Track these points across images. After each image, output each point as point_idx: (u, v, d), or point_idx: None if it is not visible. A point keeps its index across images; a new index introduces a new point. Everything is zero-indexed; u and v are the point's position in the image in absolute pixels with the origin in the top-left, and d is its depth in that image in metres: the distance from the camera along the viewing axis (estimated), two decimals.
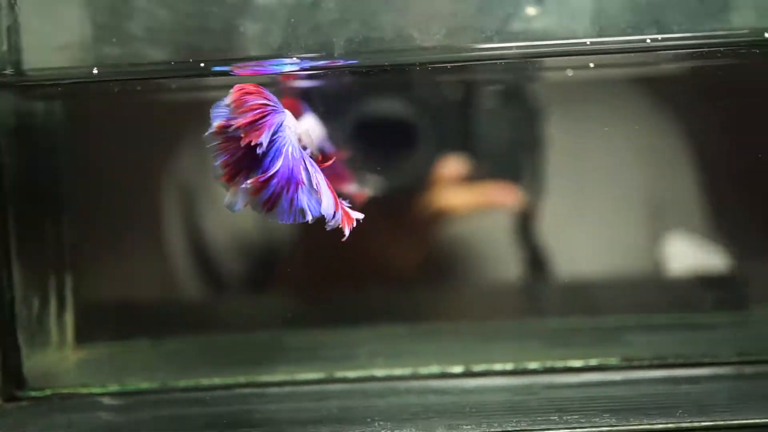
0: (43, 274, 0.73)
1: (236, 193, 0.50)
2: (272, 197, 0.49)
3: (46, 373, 0.72)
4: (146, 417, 0.63)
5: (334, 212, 0.51)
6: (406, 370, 0.69)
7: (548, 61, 0.70)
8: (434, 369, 0.69)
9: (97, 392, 0.69)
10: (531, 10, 0.58)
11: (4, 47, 0.56)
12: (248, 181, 0.49)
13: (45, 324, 0.74)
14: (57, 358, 0.75)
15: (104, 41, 0.57)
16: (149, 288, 0.83)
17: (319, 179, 0.51)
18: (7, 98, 0.65)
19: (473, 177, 0.79)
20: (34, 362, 0.71)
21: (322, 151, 0.60)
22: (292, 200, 0.50)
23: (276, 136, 0.50)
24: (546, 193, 0.81)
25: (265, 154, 0.49)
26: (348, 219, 0.52)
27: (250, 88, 0.50)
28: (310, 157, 0.53)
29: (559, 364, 0.69)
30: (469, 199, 0.79)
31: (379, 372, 0.69)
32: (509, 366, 0.69)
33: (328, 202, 0.51)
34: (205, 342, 0.79)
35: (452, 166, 0.79)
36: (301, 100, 0.62)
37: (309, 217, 0.50)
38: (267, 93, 0.51)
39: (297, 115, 0.60)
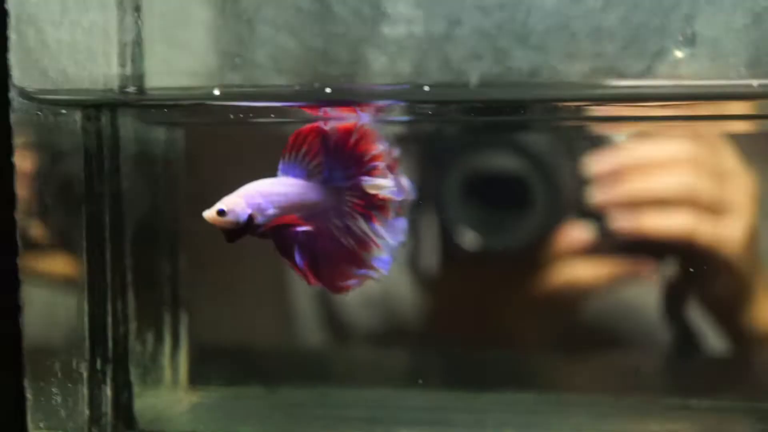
0: (158, 310, 0.72)
1: None
2: None
3: (157, 414, 0.70)
4: None
5: None
6: None
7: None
8: None
9: None
10: (679, 53, 0.53)
11: (128, 68, 0.55)
12: None
13: (158, 362, 0.72)
14: (169, 399, 0.73)
15: (227, 68, 0.55)
16: (266, 332, 0.80)
17: None
18: (129, 123, 0.64)
19: (605, 246, 0.73)
20: (145, 402, 0.69)
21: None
22: None
23: None
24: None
25: None
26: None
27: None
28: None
29: None
30: (599, 271, 0.72)
31: None
32: None
33: None
34: (322, 394, 0.75)
35: (576, 233, 0.72)
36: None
37: None
38: None
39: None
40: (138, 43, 0.55)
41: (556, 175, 0.72)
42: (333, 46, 0.55)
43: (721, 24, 0.52)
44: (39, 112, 0.55)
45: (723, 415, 0.69)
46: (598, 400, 0.72)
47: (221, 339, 0.78)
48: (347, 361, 0.82)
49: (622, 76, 0.53)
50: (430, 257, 0.76)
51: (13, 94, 0.53)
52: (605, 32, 0.53)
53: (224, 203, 0.53)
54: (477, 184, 0.72)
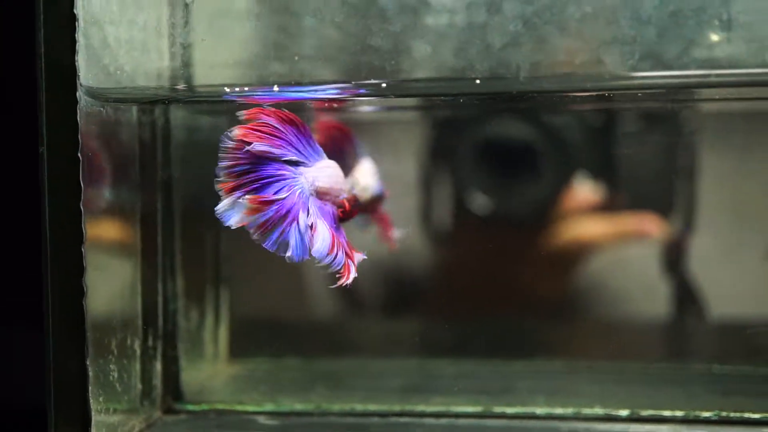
0: (202, 287, 0.74)
1: (232, 206, 0.51)
2: (267, 223, 0.51)
3: (201, 386, 0.73)
4: None
5: (331, 257, 0.53)
6: (567, 410, 0.66)
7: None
8: (598, 411, 0.66)
9: (251, 410, 0.69)
10: (715, 37, 0.54)
11: (178, 63, 0.57)
12: (247, 197, 0.51)
13: (201, 337, 0.74)
14: (211, 372, 0.76)
15: (272, 59, 0.57)
16: (296, 307, 0.82)
17: (320, 225, 0.53)
18: (178, 113, 0.66)
19: (613, 206, 0.76)
20: (190, 375, 0.72)
21: (374, 195, 0.61)
22: (282, 232, 0.52)
23: (286, 173, 0.53)
24: (698, 226, 0.75)
25: (270, 183, 0.52)
26: (347, 270, 0.54)
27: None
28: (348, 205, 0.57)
29: (735, 415, 0.64)
30: (606, 229, 0.75)
31: (540, 410, 0.66)
32: (679, 413, 0.64)
33: (321, 246, 0.52)
34: (356, 365, 0.78)
35: (584, 194, 0.75)
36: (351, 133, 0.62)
37: (289, 254, 0.52)
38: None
39: (346, 147, 0.61)
40: (187, 38, 0.57)
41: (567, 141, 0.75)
42: (374, 37, 0.56)
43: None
44: (101, 108, 0.57)
45: (742, 379, 0.72)
46: (628, 367, 0.74)
47: (258, 313, 0.80)
48: (375, 332, 0.84)
49: (655, 61, 0.55)
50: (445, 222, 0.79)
51: (80, 93, 0.54)
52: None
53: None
54: (490, 153, 0.76)
